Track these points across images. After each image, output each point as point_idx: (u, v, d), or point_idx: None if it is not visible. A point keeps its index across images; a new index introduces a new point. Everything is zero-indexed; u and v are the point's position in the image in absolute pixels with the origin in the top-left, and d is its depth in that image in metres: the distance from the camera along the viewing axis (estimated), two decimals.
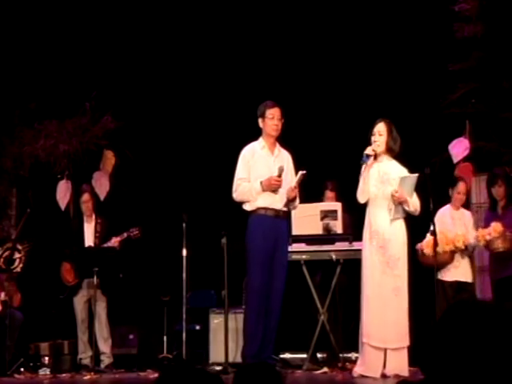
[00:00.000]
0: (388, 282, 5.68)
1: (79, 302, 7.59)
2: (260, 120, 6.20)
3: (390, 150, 5.88)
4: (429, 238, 6.42)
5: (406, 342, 5.65)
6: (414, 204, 5.83)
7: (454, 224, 6.76)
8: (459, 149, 7.71)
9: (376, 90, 8.36)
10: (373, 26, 8.46)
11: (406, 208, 5.80)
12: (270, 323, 6.01)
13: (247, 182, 6.09)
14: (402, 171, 5.90)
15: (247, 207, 6.12)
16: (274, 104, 6.20)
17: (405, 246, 5.81)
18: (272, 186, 6.03)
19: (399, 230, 5.81)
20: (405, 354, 5.65)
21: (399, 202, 5.77)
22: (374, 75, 8.44)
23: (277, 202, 6.08)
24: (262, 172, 6.09)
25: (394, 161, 5.92)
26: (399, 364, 5.64)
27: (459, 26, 7.57)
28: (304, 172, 6.06)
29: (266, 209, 6.06)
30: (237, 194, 6.12)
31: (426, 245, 6.48)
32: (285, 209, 6.16)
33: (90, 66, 8.59)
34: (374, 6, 8.46)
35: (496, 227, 6.46)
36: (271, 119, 6.15)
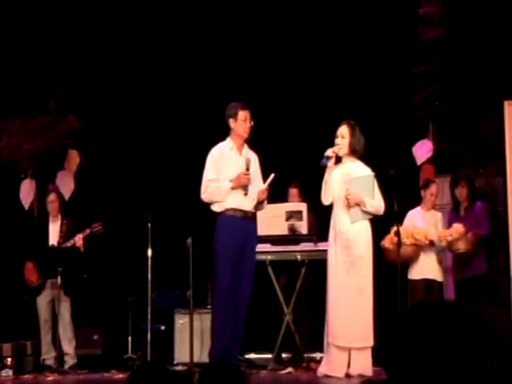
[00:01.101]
0: (352, 281, 5.72)
1: (42, 302, 7.53)
2: (231, 120, 6.17)
3: (353, 152, 5.91)
4: (391, 234, 6.52)
5: (370, 341, 5.69)
6: (372, 204, 5.82)
7: (425, 225, 6.83)
8: (423, 151, 7.81)
9: (341, 92, 8.43)
10: (338, 29, 8.52)
11: (364, 209, 5.82)
12: (237, 324, 6.03)
13: (216, 183, 6.08)
14: (366, 172, 5.93)
15: (216, 208, 6.11)
16: (246, 106, 6.19)
17: (369, 245, 5.85)
18: (242, 181, 6.02)
19: (363, 230, 5.84)
20: (369, 353, 5.69)
21: (355, 204, 5.81)
22: (340, 77, 8.50)
23: (245, 203, 6.08)
24: (231, 172, 6.09)
25: (358, 162, 5.95)
26: (363, 364, 5.68)
27: (423, 29, 7.67)
28: (274, 174, 6.08)
29: (234, 210, 6.05)
30: (205, 195, 6.11)
31: (387, 240, 6.56)
32: (253, 210, 6.17)
33: (55, 65, 8.53)
34: (339, 9, 8.52)
35: (458, 228, 6.56)
36: (244, 121, 6.14)
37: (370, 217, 5.88)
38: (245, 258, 6.05)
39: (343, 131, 5.89)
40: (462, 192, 6.78)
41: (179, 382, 2.14)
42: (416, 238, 6.60)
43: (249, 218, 6.12)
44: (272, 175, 6.09)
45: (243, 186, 6.03)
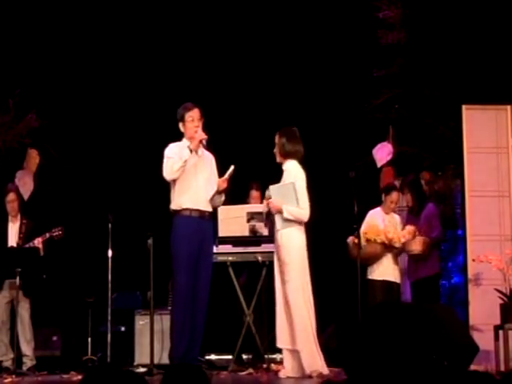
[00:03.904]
0: (279, 286, 5.84)
1: (1, 303, 7.43)
2: (181, 124, 6.16)
3: (285, 155, 5.93)
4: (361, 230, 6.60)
5: (299, 344, 5.69)
6: (292, 212, 5.77)
7: (385, 226, 6.91)
8: (383, 153, 7.89)
9: (303, 94, 8.47)
10: (300, 31, 8.57)
11: (284, 216, 5.80)
12: (197, 324, 6.02)
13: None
14: (298, 173, 5.87)
15: (173, 206, 6.10)
16: (193, 105, 6.16)
17: (298, 252, 5.80)
18: (196, 136, 5.98)
19: (292, 236, 5.83)
20: (306, 353, 5.67)
21: (276, 211, 5.82)
22: (302, 79, 8.55)
23: (202, 202, 6.08)
24: (187, 171, 6.06)
25: (292, 164, 5.90)
26: (309, 363, 5.68)
27: (383, 32, 7.76)
28: (234, 166, 6.08)
29: (190, 210, 6.05)
30: (167, 171, 6.03)
31: (353, 237, 6.60)
32: (210, 210, 6.17)
33: (14, 63, 8.43)
34: (301, 11, 8.56)
35: (410, 230, 6.67)
36: (191, 122, 6.12)
37: (297, 224, 5.83)
38: (202, 259, 6.05)
39: (275, 141, 5.97)
40: (407, 198, 6.99)
41: (133, 382, 2.14)
42: (388, 236, 6.67)
43: (205, 218, 6.12)
44: (232, 167, 6.09)
45: (201, 141, 6.02)
